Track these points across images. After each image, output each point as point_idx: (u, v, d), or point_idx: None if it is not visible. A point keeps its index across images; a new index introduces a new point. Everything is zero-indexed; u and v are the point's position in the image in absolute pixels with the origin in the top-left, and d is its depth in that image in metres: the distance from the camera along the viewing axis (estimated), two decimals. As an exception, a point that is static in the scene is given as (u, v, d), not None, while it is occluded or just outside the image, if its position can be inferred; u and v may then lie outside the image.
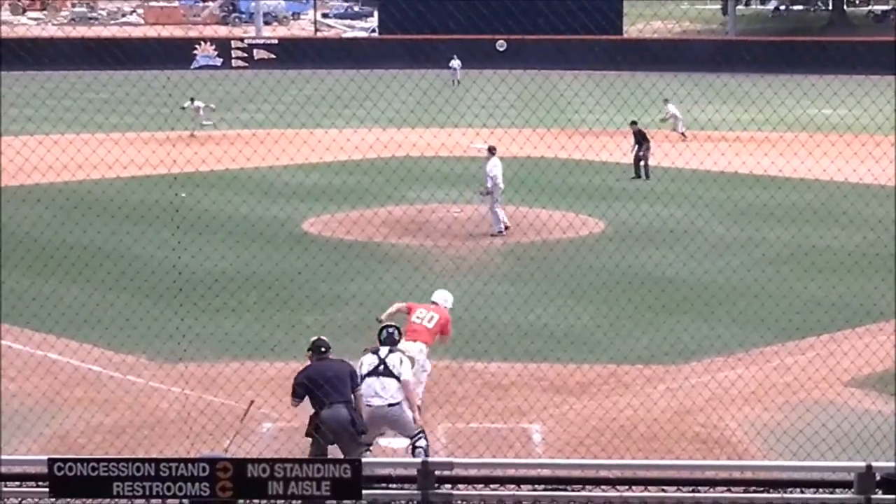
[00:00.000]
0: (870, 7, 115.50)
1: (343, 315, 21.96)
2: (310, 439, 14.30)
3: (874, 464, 9.74)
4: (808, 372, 18.45)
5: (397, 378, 14.74)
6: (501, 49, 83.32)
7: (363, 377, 14.74)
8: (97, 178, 35.79)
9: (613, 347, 19.91)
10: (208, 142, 43.00)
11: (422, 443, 14.79)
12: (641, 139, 39.34)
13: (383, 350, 15.04)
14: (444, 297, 17.96)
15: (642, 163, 39.12)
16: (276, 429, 16.38)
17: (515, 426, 16.58)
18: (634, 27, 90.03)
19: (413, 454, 14.61)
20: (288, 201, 32.92)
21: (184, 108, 48.36)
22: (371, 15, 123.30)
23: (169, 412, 16.94)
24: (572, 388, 18.11)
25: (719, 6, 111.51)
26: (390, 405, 14.68)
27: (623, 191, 35.91)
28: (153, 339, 20.20)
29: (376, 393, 14.66)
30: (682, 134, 47.34)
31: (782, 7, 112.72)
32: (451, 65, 72.42)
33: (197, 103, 48.81)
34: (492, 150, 30.45)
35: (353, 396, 14.30)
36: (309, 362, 14.67)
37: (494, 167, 29.78)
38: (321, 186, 35.35)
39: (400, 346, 15.52)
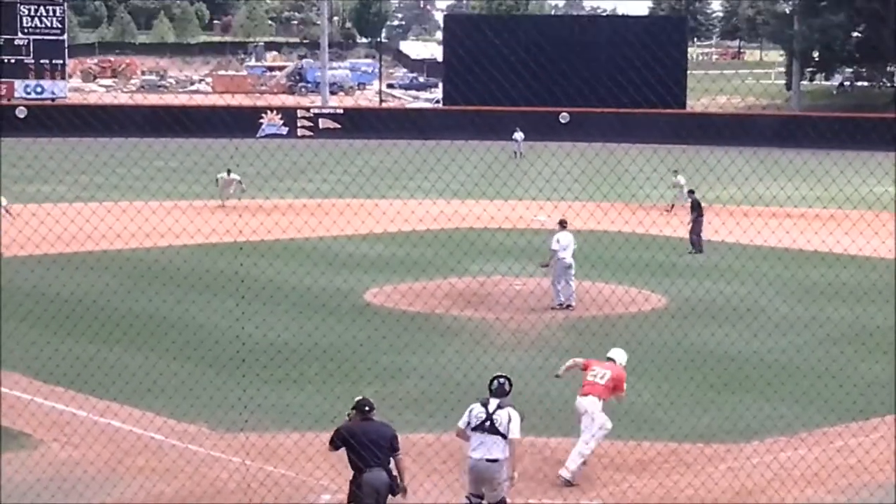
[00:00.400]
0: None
1: (404, 388, 22.02)
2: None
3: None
4: (873, 454, 18.24)
5: (503, 436, 14.57)
6: (564, 121, 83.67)
7: (472, 429, 14.76)
8: (164, 245, 36.24)
9: (674, 425, 19.81)
10: (274, 211, 43.45)
11: None
12: (698, 210, 39.09)
13: (492, 404, 14.81)
14: (619, 355, 18.28)
15: (695, 236, 38.82)
16: (336, 501, 16.42)
17: (576, 502, 16.51)
18: (699, 102, 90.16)
19: None
20: (351, 272, 33.16)
21: (217, 180, 48.05)
22: (436, 86, 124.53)
23: (229, 483, 17.03)
24: (632, 466, 18.03)
25: (784, 81, 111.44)
26: (488, 460, 14.58)
27: (686, 266, 35.80)
28: (215, 409, 20.34)
29: (478, 447, 14.64)
30: (671, 206, 46.53)
31: (847, 83, 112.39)
32: (513, 137, 72.80)
33: (234, 175, 48.34)
34: (562, 224, 30.15)
35: (392, 460, 14.33)
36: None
37: (555, 240, 29.66)
38: (384, 257, 35.59)
39: (577, 402, 16.33)
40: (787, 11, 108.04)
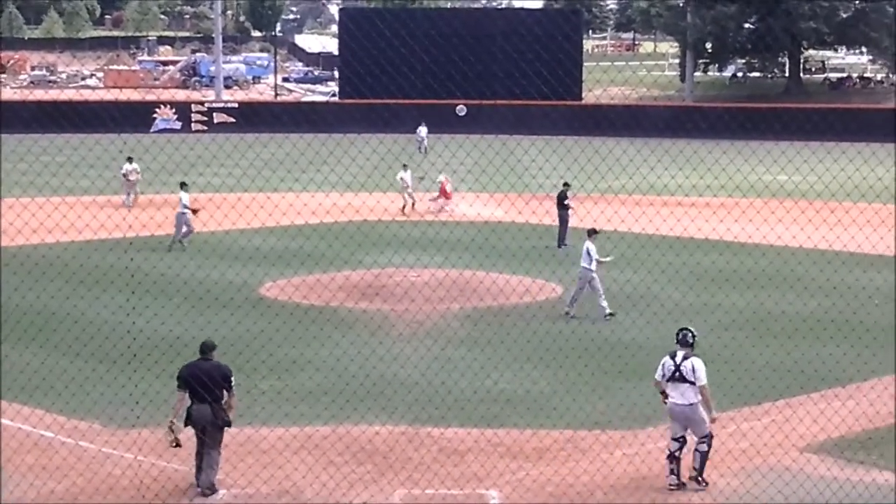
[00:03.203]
0: (825, 75, 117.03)
1: (299, 381, 21.82)
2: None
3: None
4: (765, 438, 18.46)
5: (692, 382, 16.42)
6: (461, 114, 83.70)
7: (666, 380, 16.67)
8: (52, 242, 35.57)
9: (570, 413, 19.84)
10: (164, 206, 42.85)
11: (703, 447, 16.51)
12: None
13: (679, 355, 16.67)
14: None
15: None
16: (231, 496, 16.20)
17: (472, 492, 16.45)
18: (592, 93, 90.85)
19: (694, 455, 16.55)
20: (244, 266, 32.80)
21: (123, 176, 46.79)
22: (331, 79, 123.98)
23: (122, 479, 16.71)
24: (529, 454, 18.02)
25: (677, 73, 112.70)
26: (683, 405, 16.49)
27: (580, 255, 35.91)
28: (106, 405, 19.99)
29: (673, 394, 16.56)
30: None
31: (740, 74, 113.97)
32: (418, 132, 72.53)
33: (135, 165, 46.89)
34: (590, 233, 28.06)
35: (226, 395, 16.05)
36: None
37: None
38: (278, 250, 35.25)
39: None
40: (680, 4, 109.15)
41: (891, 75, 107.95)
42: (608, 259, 27.94)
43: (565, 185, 37.64)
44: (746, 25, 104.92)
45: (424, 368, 21.90)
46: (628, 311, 27.29)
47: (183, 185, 37.07)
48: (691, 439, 16.70)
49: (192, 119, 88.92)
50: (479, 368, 22.01)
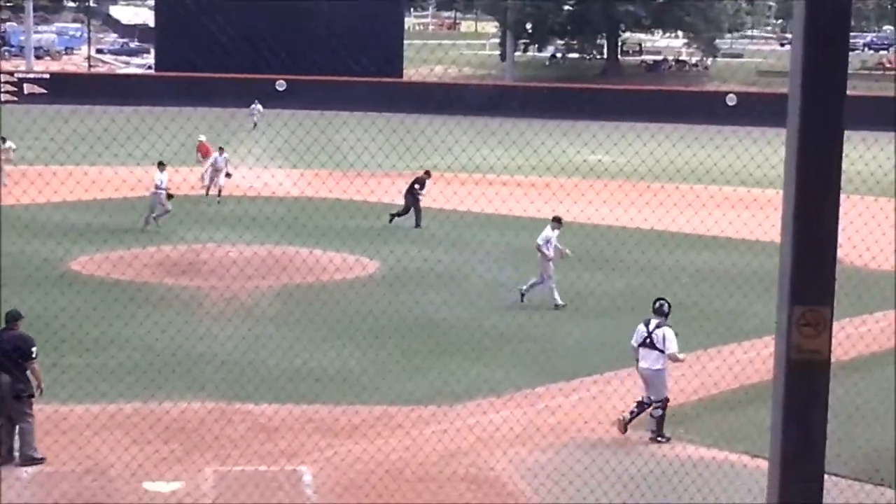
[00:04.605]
0: (642, 57, 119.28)
1: (105, 357, 21.28)
2: None
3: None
4: (575, 414, 18.72)
5: (661, 350, 17.79)
6: (281, 89, 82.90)
7: (638, 345, 18.05)
8: None
9: (382, 390, 19.83)
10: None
11: (658, 412, 17.71)
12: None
13: (652, 323, 18.03)
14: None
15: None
16: (31, 473, 15.74)
17: (285, 468, 16.30)
18: (416, 71, 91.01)
19: (651, 414, 17.81)
20: (58, 242, 31.82)
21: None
22: (148, 52, 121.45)
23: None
24: (342, 430, 17.93)
25: (497, 53, 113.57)
26: (654, 370, 17.85)
27: (403, 233, 35.99)
28: None
29: (642, 359, 17.97)
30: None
31: (559, 55, 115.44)
32: (252, 108, 71.38)
33: (9, 143, 45.84)
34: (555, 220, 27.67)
35: (28, 366, 16.15)
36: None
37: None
38: (93, 226, 34.39)
39: None
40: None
41: (705, 59, 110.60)
42: (567, 252, 27.44)
43: (426, 173, 37.80)
44: (566, 7, 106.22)
45: (236, 346, 21.63)
46: (443, 288, 27.36)
47: (160, 165, 36.19)
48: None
49: (2, 90, 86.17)
50: (290, 346, 21.81)
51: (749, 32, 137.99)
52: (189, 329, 22.33)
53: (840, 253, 5.73)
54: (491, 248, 32.56)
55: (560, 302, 26.46)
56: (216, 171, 41.57)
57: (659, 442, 17.70)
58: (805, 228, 5.54)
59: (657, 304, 18.27)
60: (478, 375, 20.70)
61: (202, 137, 46.60)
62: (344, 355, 21.45)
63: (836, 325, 5.71)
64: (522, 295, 26.61)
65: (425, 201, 37.90)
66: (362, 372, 20.86)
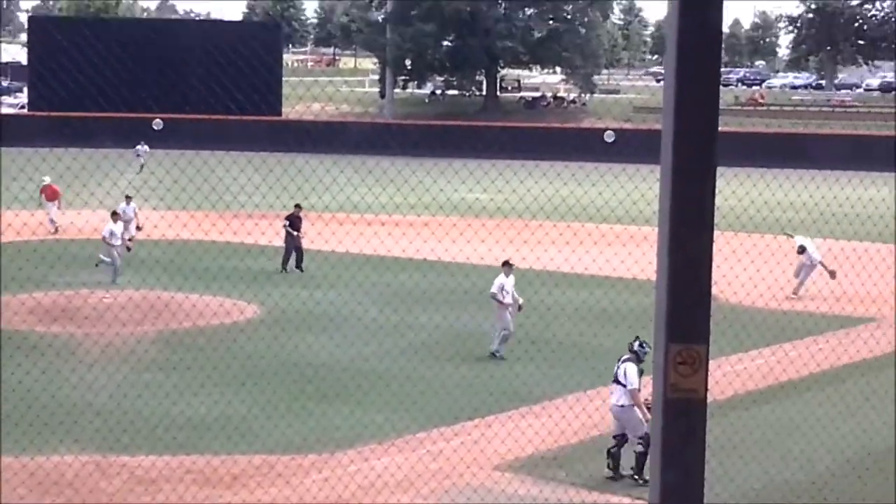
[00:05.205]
0: (521, 94, 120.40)
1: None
2: None
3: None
4: (458, 457, 18.67)
5: (624, 385, 17.89)
6: (158, 128, 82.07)
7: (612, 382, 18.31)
8: None
9: (269, 437, 19.61)
10: None
11: (639, 448, 17.42)
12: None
13: (622, 359, 18.26)
14: None
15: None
16: None
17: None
18: (294, 109, 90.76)
19: (634, 450, 17.68)
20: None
21: None
22: (20, 90, 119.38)
23: None
24: (225, 481, 17.67)
25: (378, 89, 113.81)
26: (619, 406, 17.97)
27: (280, 275, 35.73)
28: None
29: (611, 395, 18.27)
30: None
31: (438, 91, 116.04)
32: (137, 149, 70.28)
33: None
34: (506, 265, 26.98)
35: None
36: None
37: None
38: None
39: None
40: (380, 20, 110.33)
41: (583, 95, 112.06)
42: (520, 301, 26.51)
43: (297, 207, 37.27)
44: (445, 43, 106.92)
45: (116, 394, 21.25)
46: (329, 332, 27.23)
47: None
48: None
49: None
50: (167, 393, 21.46)
51: (625, 69, 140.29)
52: (68, 378, 21.88)
53: (715, 290, 5.79)
54: (370, 288, 32.47)
55: (497, 350, 25.72)
56: (126, 221, 39.73)
57: (636, 481, 17.50)
58: (679, 265, 5.56)
59: (632, 343, 18.41)
60: (359, 420, 20.60)
61: (46, 179, 45.06)
62: (229, 400, 21.18)
63: (712, 364, 5.74)
64: (494, 354, 25.76)
65: (304, 242, 37.63)
66: (241, 419, 20.60)
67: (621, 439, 17.90)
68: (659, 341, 5.63)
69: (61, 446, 18.64)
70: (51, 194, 44.41)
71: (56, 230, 41.87)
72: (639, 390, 17.79)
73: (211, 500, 16.83)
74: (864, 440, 19.54)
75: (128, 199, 39.66)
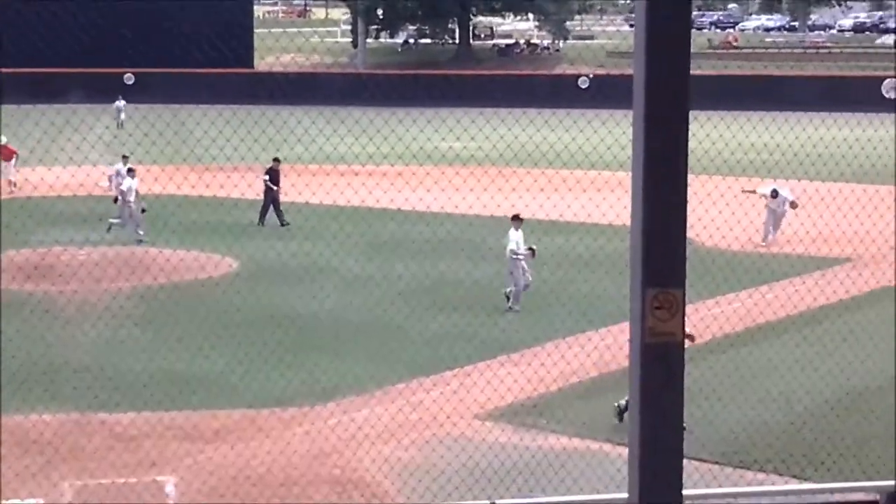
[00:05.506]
0: (494, 41, 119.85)
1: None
2: None
3: None
4: (445, 408, 18.66)
5: None
6: (129, 83, 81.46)
7: None
8: None
9: (249, 391, 19.58)
10: None
11: None
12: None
13: None
14: None
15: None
16: None
17: (146, 479, 15.98)
18: (265, 61, 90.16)
19: None
20: None
21: None
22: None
23: None
24: (207, 436, 17.67)
25: (349, 39, 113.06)
26: None
27: (256, 229, 35.62)
28: None
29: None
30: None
31: (411, 40, 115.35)
32: (116, 105, 69.69)
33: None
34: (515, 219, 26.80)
35: None
36: None
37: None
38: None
39: None
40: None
41: (556, 41, 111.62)
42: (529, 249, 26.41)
43: (275, 160, 37.19)
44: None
45: (93, 351, 21.18)
46: (307, 284, 27.15)
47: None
48: None
49: None
50: (144, 350, 21.41)
51: (598, 14, 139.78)
52: (45, 336, 21.79)
53: (691, 234, 5.74)
54: (345, 239, 32.36)
55: (513, 304, 25.63)
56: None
57: None
58: (654, 211, 5.52)
59: None
60: (338, 372, 20.58)
61: (3, 139, 44.36)
62: (209, 355, 21.10)
63: (689, 308, 5.69)
64: (510, 308, 25.68)
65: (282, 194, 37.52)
66: (220, 374, 20.56)
67: None
68: (635, 286, 5.59)
69: (39, 405, 18.55)
70: (7, 154, 43.99)
71: (12, 190, 41.52)
72: None
73: (192, 455, 16.82)
74: (841, 380, 19.66)
75: (125, 158, 38.48)
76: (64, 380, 19.84)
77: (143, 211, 33.84)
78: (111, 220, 33.99)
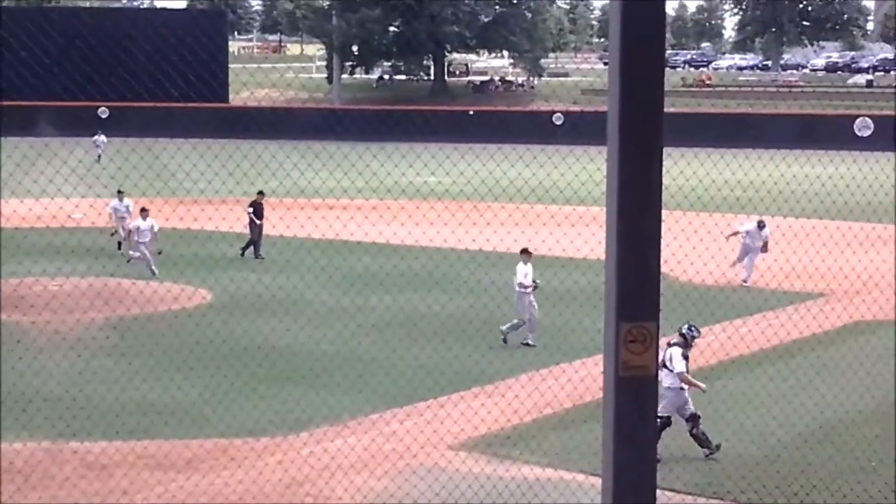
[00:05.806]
0: (469, 78, 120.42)
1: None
2: None
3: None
4: (411, 437, 18.62)
5: (670, 370, 17.90)
6: (104, 116, 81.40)
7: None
8: None
9: (221, 421, 19.46)
10: None
11: (694, 430, 18.00)
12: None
13: (669, 344, 18.21)
14: None
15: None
16: None
17: (120, 509, 15.86)
18: (239, 96, 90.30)
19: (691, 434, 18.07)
20: None
21: None
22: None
23: None
24: (178, 465, 17.54)
25: (324, 75, 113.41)
26: (665, 387, 17.76)
27: (229, 261, 35.55)
28: None
29: (663, 378, 17.82)
30: None
31: (386, 77, 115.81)
32: (95, 140, 69.47)
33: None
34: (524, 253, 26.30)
35: None
36: None
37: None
38: None
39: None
40: (326, 6, 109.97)
41: (531, 78, 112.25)
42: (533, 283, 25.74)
43: (260, 193, 37.08)
44: (391, 28, 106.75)
45: (65, 381, 21.04)
46: (281, 316, 27.08)
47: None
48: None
49: None
50: (122, 379, 21.29)
51: (572, 52, 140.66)
52: (17, 366, 21.63)
53: (665, 268, 5.77)
54: (320, 272, 32.35)
55: (526, 339, 25.29)
56: (120, 218, 37.36)
57: (708, 457, 17.97)
58: (628, 245, 5.55)
59: (681, 325, 18.75)
60: (312, 403, 20.49)
61: None
62: (182, 386, 20.99)
63: (662, 341, 5.74)
64: (525, 342, 25.31)
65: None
66: (192, 404, 20.44)
67: (665, 422, 17.59)
68: (609, 319, 5.61)
69: (10, 434, 18.41)
70: None
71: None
72: (686, 372, 18.17)
73: (163, 484, 16.70)
74: (814, 413, 19.70)
75: (120, 193, 37.87)
76: (36, 409, 19.67)
77: (160, 253, 33.44)
78: (131, 253, 33.74)
